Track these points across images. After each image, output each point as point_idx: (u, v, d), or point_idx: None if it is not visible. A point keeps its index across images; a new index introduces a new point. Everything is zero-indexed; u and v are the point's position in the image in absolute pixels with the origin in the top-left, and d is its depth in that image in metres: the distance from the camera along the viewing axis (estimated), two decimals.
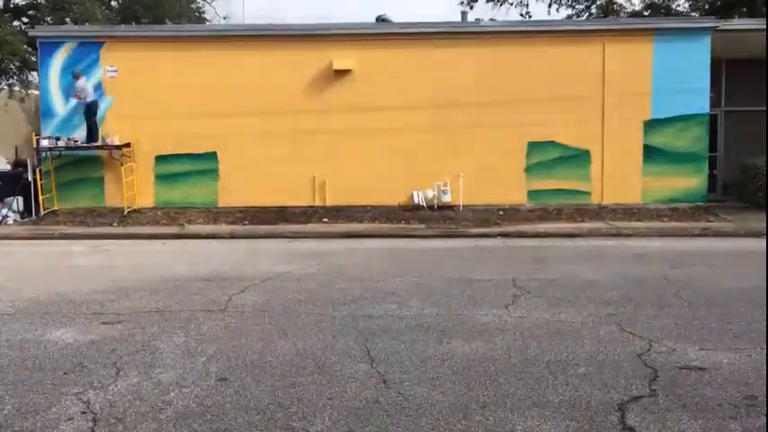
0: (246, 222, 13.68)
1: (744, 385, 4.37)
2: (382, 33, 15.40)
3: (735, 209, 14.35)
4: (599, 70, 14.73)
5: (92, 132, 14.41)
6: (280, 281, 7.87)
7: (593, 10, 25.93)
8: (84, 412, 4.01)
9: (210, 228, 13.21)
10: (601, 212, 14.26)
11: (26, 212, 14.67)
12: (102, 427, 3.82)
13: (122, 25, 22.29)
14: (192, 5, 27.46)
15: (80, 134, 14.94)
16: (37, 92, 16.75)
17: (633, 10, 25.34)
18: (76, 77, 14.48)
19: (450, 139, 14.81)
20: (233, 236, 12.38)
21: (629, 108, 14.69)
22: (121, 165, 14.43)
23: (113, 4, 25.64)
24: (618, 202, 14.72)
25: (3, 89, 21.57)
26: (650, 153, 14.64)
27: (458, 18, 22.42)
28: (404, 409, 4.02)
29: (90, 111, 14.45)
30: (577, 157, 14.87)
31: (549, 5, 26.30)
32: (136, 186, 14.88)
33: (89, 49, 15.04)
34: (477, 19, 21.12)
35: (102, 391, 4.35)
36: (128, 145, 14.64)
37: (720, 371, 4.64)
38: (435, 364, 4.81)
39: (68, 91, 14.95)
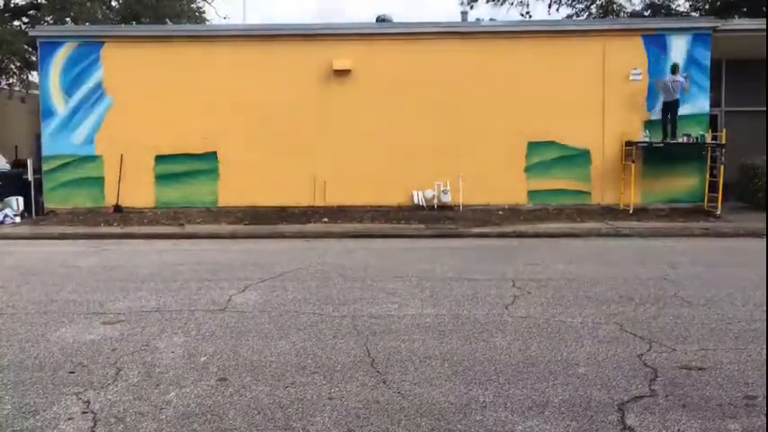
0: (246, 222, 13.67)
1: (744, 385, 4.37)
2: (382, 33, 15.38)
3: (735, 209, 14.35)
4: (599, 70, 14.74)
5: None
6: (280, 281, 7.87)
7: (593, 10, 25.95)
8: (84, 412, 4.02)
9: (211, 228, 13.19)
10: (601, 212, 14.28)
11: (26, 212, 14.68)
12: (102, 426, 3.82)
13: (123, 25, 22.31)
14: (193, 5, 27.48)
15: (80, 135, 14.98)
16: (37, 91, 16.74)
17: (633, 10, 25.36)
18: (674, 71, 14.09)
19: (450, 139, 14.81)
20: (233, 236, 12.37)
21: (629, 108, 14.71)
22: None
23: (114, 3, 25.65)
24: (618, 202, 14.74)
25: (3, 89, 21.60)
26: (650, 153, 14.65)
27: (458, 18, 22.44)
28: (404, 409, 4.02)
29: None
30: (577, 157, 14.88)
31: (550, 5, 26.34)
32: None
33: (89, 48, 15.03)
34: (477, 19, 21.16)
35: (102, 391, 4.35)
36: None
37: (720, 371, 4.64)
38: (435, 364, 4.81)
39: (69, 90, 14.97)
